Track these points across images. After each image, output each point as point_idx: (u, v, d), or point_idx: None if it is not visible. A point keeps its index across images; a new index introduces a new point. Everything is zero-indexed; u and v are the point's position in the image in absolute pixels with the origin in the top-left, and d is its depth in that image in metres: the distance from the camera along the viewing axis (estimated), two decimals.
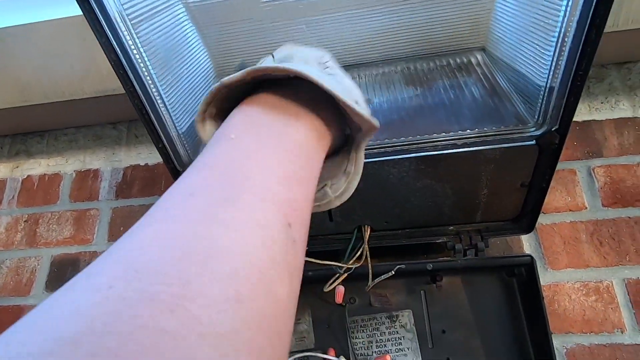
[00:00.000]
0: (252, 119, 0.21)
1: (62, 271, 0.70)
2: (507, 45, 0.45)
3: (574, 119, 0.64)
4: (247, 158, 0.19)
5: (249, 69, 0.21)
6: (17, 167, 0.80)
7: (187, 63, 0.47)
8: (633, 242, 0.57)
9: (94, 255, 0.70)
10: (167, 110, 0.43)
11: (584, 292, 0.56)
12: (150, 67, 0.40)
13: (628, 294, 0.55)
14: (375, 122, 0.22)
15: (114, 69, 0.39)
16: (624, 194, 0.59)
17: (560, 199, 0.60)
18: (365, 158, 0.44)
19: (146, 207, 0.71)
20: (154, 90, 0.41)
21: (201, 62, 0.51)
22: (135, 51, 0.38)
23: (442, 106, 0.46)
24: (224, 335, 0.13)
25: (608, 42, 0.61)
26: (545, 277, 0.57)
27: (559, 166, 0.62)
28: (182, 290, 0.13)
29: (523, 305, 0.53)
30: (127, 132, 0.79)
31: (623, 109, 0.63)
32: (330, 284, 0.49)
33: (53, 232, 0.73)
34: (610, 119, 0.63)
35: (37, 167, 0.79)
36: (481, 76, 0.48)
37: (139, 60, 0.39)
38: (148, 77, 0.40)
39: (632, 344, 0.52)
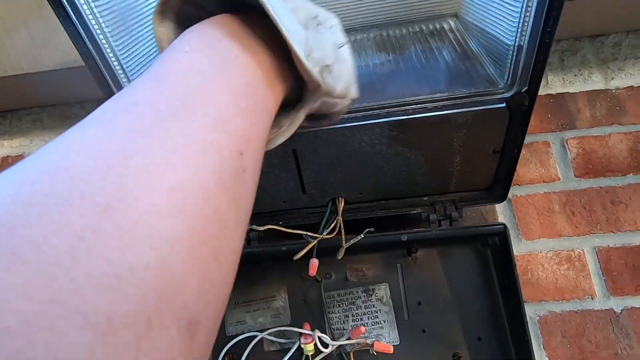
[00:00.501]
0: (210, 40, 0.19)
1: None
2: (478, 8, 0.44)
3: (549, 91, 0.64)
4: (201, 77, 0.17)
5: None
6: None
7: (147, 27, 0.45)
8: (603, 212, 0.58)
9: None
10: (126, 73, 0.40)
11: (556, 261, 0.56)
12: (108, 33, 0.38)
13: (598, 261, 0.56)
14: (317, 78, 0.21)
15: (71, 39, 0.36)
16: (596, 164, 0.60)
17: (535, 171, 0.61)
18: (336, 124, 0.43)
19: None
20: (115, 63, 0.39)
21: None
22: (93, 21, 0.36)
23: (414, 71, 0.45)
24: (166, 240, 0.12)
25: (581, 15, 0.61)
26: (520, 248, 0.57)
27: (533, 138, 0.62)
28: (120, 193, 0.12)
29: (497, 275, 0.53)
30: None
31: (595, 81, 0.64)
32: (303, 253, 0.48)
33: None
34: (583, 91, 0.64)
35: (0, 148, 0.75)
36: (453, 41, 0.47)
37: (98, 31, 0.36)
38: (107, 45, 0.38)
39: (601, 309, 0.53)
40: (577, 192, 0.59)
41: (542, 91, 0.64)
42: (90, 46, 0.37)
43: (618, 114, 0.62)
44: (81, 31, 0.36)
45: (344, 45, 0.26)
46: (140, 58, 0.43)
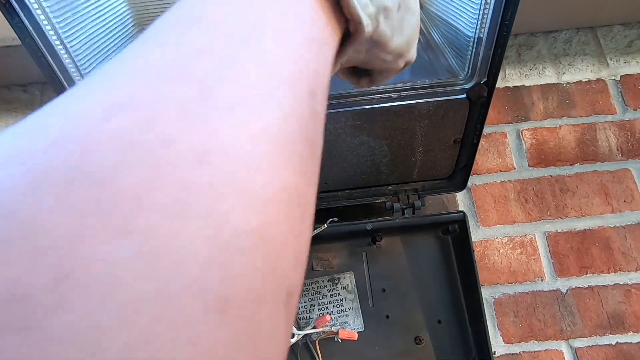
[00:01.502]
0: None
1: None
2: None
3: (507, 84, 0.67)
4: (265, 2, 0.14)
5: None
6: None
7: (97, 9, 0.41)
8: (553, 199, 0.61)
9: None
10: (76, 65, 0.37)
11: (510, 246, 0.59)
12: (50, 14, 0.34)
13: (548, 245, 0.59)
14: (361, 19, 0.17)
15: (3, 13, 0.32)
16: (547, 154, 0.63)
17: (492, 161, 0.63)
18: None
19: None
20: (56, 41, 0.35)
21: (116, 8, 0.45)
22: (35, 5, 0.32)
23: None
24: (265, 200, 0.10)
25: (537, 11, 0.63)
26: (478, 234, 0.60)
27: (492, 129, 0.65)
28: (210, 139, 0.10)
29: (457, 261, 0.55)
30: (40, 96, 0.70)
31: (548, 75, 0.67)
32: None
33: None
34: (537, 85, 0.67)
35: None
36: None
37: (36, 6, 0.33)
38: (53, 34, 0.34)
39: (550, 290, 0.57)
40: (530, 180, 0.62)
41: (500, 84, 0.67)
42: (26, 22, 0.33)
43: (568, 107, 0.65)
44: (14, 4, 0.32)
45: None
46: (86, 36, 0.39)
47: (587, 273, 0.58)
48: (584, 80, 0.67)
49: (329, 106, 0.42)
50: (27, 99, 0.70)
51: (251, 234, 0.10)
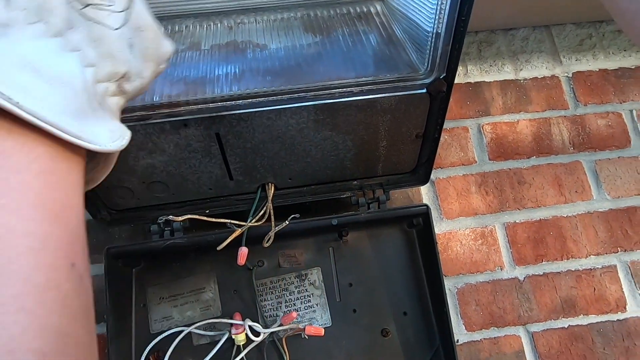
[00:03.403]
0: None
1: None
2: None
3: (468, 80, 0.69)
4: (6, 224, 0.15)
5: None
6: None
7: None
8: (512, 191, 0.64)
9: None
10: None
11: (472, 237, 0.61)
12: None
13: (507, 235, 0.62)
14: (109, 149, 0.17)
15: None
16: (506, 148, 0.66)
17: (455, 154, 0.65)
18: (263, 106, 0.41)
19: None
20: None
21: None
22: None
23: (341, 54, 0.44)
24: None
25: (496, 9, 0.65)
26: (441, 227, 0.61)
27: (454, 124, 0.66)
28: None
29: (421, 253, 0.56)
30: None
31: (507, 72, 0.70)
32: (227, 244, 0.46)
33: None
34: (497, 81, 0.69)
35: None
36: (379, 25, 0.47)
37: None
38: None
39: (509, 278, 0.60)
40: (491, 173, 0.64)
41: (462, 79, 0.68)
42: None
43: (525, 102, 0.68)
44: None
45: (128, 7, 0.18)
46: None
47: (542, 261, 0.61)
48: (539, 77, 0.70)
49: (291, 100, 0.41)
50: None
51: None
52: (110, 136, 0.18)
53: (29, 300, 0.14)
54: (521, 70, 0.70)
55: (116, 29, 0.17)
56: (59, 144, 0.16)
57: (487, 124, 0.67)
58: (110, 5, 0.17)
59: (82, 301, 0.16)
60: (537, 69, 0.70)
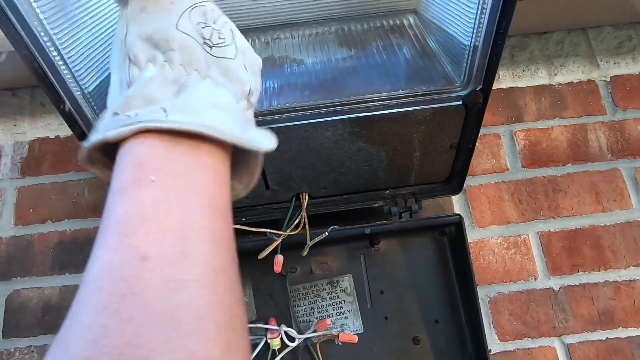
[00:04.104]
0: (159, 151, 0.19)
1: None
2: (436, 6, 0.45)
3: (500, 86, 0.68)
4: (181, 205, 0.18)
5: (133, 127, 0.19)
6: None
7: (89, 11, 0.40)
8: (546, 199, 0.63)
9: (0, 241, 0.61)
10: (67, 65, 0.37)
11: (505, 246, 0.61)
12: (39, 12, 0.34)
13: (541, 244, 0.61)
14: (267, 147, 0.21)
15: None
16: (540, 155, 0.64)
17: (487, 162, 0.64)
18: (300, 119, 0.43)
19: (60, 185, 0.63)
20: (46, 40, 0.35)
21: (108, 11, 0.44)
22: None
23: (375, 67, 0.45)
24: None
25: (530, 12, 0.64)
26: (473, 235, 0.61)
27: (486, 131, 0.65)
28: None
29: (453, 261, 0.56)
30: (30, 100, 0.68)
31: (541, 77, 0.68)
32: (268, 252, 0.47)
33: None
34: (530, 86, 0.68)
35: None
36: (413, 38, 0.47)
37: (24, 3, 0.32)
38: (37, 25, 0.34)
39: (543, 288, 0.59)
40: (524, 181, 0.63)
41: (494, 85, 0.67)
42: (21, 31, 0.33)
43: (560, 108, 0.67)
44: (4, 6, 0.31)
45: (233, 31, 0.23)
46: (80, 42, 0.39)
47: (578, 271, 0.59)
48: (575, 81, 0.68)
49: (327, 114, 0.42)
50: (16, 103, 0.69)
51: None
52: (265, 139, 0.21)
53: (209, 280, 0.16)
54: (556, 74, 0.68)
55: (234, 58, 0.21)
56: (226, 156, 0.21)
57: (520, 130, 0.66)
58: (224, 40, 0.21)
59: (240, 291, 0.18)
60: (572, 73, 0.68)
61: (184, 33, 0.21)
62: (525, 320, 0.58)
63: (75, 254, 0.61)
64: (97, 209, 0.62)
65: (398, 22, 0.50)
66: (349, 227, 0.53)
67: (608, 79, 0.68)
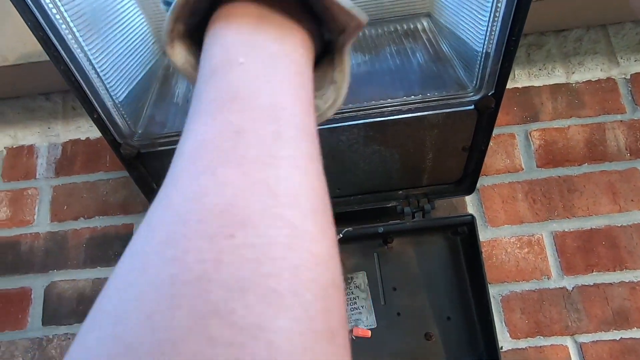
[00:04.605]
0: (246, 37, 0.19)
1: (2, 255, 0.65)
2: (449, 11, 0.46)
3: (516, 85, 0.68)
4: (271, 87, 0.17)
5: None
6: None
7: (120, 26, 0.43)
8: (561, 199, 0.63)
9: (37, 237, 0.66)
10: (100, 77, 0.40)
11: (518, 245, 0.61)
12: (75, 30, 0.37)
13: (555, 244, 0.61)
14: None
15: (32, 31, 0.35)
16: (555, 155, 0.64)
17: (500, 162, 0.65)
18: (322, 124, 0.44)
19: (91, 184, 0.67)
20: (81, 54, 0.38)
21: (136, 24, 0.47)
22: (54, 10, 0.34)
23: (389, 72, 0.46)
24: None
25: (547, 10, 0.64)
26: (486, 234, 0.62)
27: (500, 131, 0.66)
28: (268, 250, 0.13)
29: (465, 260, 0.57)
30: (62, 104, 0.73)
31: (558, 75, 0.68)
32: None
33: None
34: (546, 85, 0.67)
35: None
36: (426, 42, 0.48)
37: (61, 21, 0.35)
38: (74, 41, 0.37)
39: (556, 287, 0.59)
40: (538, 181, 0.63)
41: (509, 85, 0.67)
42: (51, 36, 0.35)
43: (577, 107, 0.66)
44: (42, 22, 0.34)
45: None
46: (112, 55, 0.42)
47: (593, 271, 0.60)
48: (593, 80, 0.67)
49: (342, 119, 0.44)
50: (50, 107, 0.73)
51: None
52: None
53: (301, 163, 0.16)
54: (573, 73, 0.68)
55: None
56: (309, 55, 0.20)
57: (535, 130, 0.66)
58: None
59: (325, 183, 0.17)
60: (591, 71, 0.67)
61: None
62: (538, 318, 0.59)
63: (105, 248, 0.65)
64: (125, 206, 0.66)
65: (412, 26, 0.51)
66: (363, 227, 0.55)
67: (628, 77, 0.67)
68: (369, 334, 0.52)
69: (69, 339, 0.62)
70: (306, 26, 0.21)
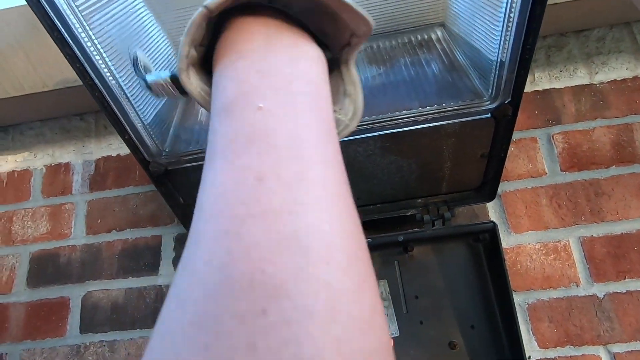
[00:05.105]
0: (257, 64, 0.18)
1: (43, 267, 0.70)
2: (463, 20, 0.46)
3: (536, 88, 0.67)
4: (290, 121, 0.16)
5: None
6: None
7: (147, 52, 0.46)
8: (588, 203, 0.61)
9: (74, 249, 0.70)
10: (130, 101, 0.42)
11: (543, 252, 0.60)
12: (107, 59, 0.40)
13: (583, 250, 0.59)
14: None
15: (69, 62, 0.38)
16: (580, 158, 0.63)
17: (523, 166, 0.63)
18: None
19: (122, 198, 0.71)
20: (113, 82, 0.40)
21: (162, 50, 0.50)
22: (89, 43, 0.37)
23: (404, 84, 0.47)
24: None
25: (567, 10, 0.62)
26: (509, 240, 0.61)
27: (521, 135, 0.65)
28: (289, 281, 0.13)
29: (488, 267, 0.57)
30: (95, 123, 0.77)
31: (580, 76, 0.66)
32: None
33: (29, 228, 0.72)
34: (568, 87, 0.66)
35: (4, 163, 0.77)
36: (441, 52, 0.49)
37: (94, 53, 0.38)
38: (106, 69, 0.40)
39: (585, 295, 0.57)
40: (563, 185, 0.62)
41: (529, 88, 0.66)
42: (88, 69, 0.38)
43: (602, 108, 0.64)
44: (78, 54, 0.37)
45: None
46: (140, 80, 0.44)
47: (625, 278, 0.57)
48: (618, 79, 0.65)
49: (359, 132, 0.45)
50: (84, 127, 0.78)
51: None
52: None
53: (329, 204, 0.14)
54: (597, 73, 0.66)
55: None
56: (324, 70, 0.20)
57: (558, 133, 0.64)
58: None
59: (358, 217, 0.16)
60: (615, 70, 0.65)
61: None
62: (567, 327, 0.57)
63: (136, 259, 0.68)
64: (153, 219, 0.70)
65: (426, 36, 0.51)
66: (383, 235, 0.55)
67: None
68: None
69: (104, 346, 0.65)
70: (313, 43, 0.20)
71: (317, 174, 0.15)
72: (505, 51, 0.38)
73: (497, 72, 0.40)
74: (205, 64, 0.21)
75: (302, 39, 0.20)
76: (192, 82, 0.20)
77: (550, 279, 0.59)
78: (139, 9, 0.45)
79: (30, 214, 0.73)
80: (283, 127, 0.16)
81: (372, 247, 0.58)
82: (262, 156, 0.15)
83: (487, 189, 0.53)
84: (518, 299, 0.58)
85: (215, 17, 0.19)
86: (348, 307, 0.12)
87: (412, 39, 0.51)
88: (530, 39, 0.36)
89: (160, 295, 0.66)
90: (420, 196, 0.55)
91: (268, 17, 0.20)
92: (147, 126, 0.44)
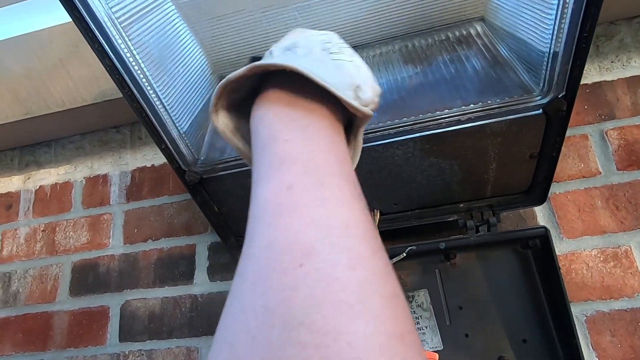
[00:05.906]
0: (283, 117, 0.23)
1: (84, 276, 0.72)
2: (506, 12, 0.43)
3: (584, 81, 0.62)
4: (308, 149, 0.21)
5: (250, 65, 0.24)
6: (29, 178, 0.82)
7: (182, 61, 0.46)
8: None
9: (112, 258, 0.72)
10: (167, 110, 0.43)
11: (601, 258, 0.55)
12: (145, 69, 0.40)
13: None
14: (367, 112, 0.24)
15: (109, 73, 0.38)
16: (639, 155, 0.57)
17: (573, 166, 0.59)
18: (370, 142, 0.44)
19: (157, 208, 0.72)
20: (151, 92, 0.41)
21: (196, 59, 0.51)
22: (128, 54, 0.38)
23: (443, 82, 0.44)
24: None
25: None
26: (561, 247, 0.56)
27: (569, 132, 0.60)
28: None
29: (539, 276, 0.52)
30: (130, 135, 0.79)
31: (635, 66, 0.61)
32: None
33: (70, 239, 0.75)
34: (622, 78, 0.61)
35: (48, 176, 0.81)
36: (482, 47, 0.46)
37: (133, 63, 0.38)
38: (144, 79, 0.40)
39: None
40: (621, 185, 0.57)
41: None
42: (127, 79, 0.39)
43: None
44: (118, 65, 0.38)
45: (353, 54, 0.27)
46: (176, 90, 0.45)
47: None
48: None
49: (397, 134, 0.43)
50: (120, 139, 0.80)
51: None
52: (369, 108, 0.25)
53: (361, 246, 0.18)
54: None
55: (349, 61, 0.26)
56: (340, 128, 0.24)
57: (612, 129, 0.59)
58: (342, 52, 0.26)
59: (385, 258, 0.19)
60: None
61: (309, 39, 0.27)
62: (633, 342, 0.51)
63: (171, 268, 0.69)
64: (188, 228, 0.70)
65: (464, 32, 0.49)
66: (423, 242, 0.52)
67: None
68: (437, 357, 0.49)
69: (142, 355, 0.65)
70: (329, 107, 0.24)
71: (333, 182, 0.20)
72: (560, 41, 0.35)
73: (549, 64, 0.37)
74: (237, 104, 0.26)
75: (316, 103, 0.24)
76: (220, 120, 0.26)
77: (611, 288, 0.54)
78: (174, 19, 0.46)
79: (71, 224, 0.76)
80: (303, 153, 0.21)
81: (412, 255, 0.55)
82: (290, 173, 0.20)
83: (537, 192, 0.50)
84: (574, 310, 0.54)
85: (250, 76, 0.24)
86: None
87: (450, 35, 0.49)
88: (588, 26, 0.33)
89: (195, 304, 0.66)
90: (463, 200, 0.52)
91: (294, 87, 0.24)
92: (183, 135, 0.44)
